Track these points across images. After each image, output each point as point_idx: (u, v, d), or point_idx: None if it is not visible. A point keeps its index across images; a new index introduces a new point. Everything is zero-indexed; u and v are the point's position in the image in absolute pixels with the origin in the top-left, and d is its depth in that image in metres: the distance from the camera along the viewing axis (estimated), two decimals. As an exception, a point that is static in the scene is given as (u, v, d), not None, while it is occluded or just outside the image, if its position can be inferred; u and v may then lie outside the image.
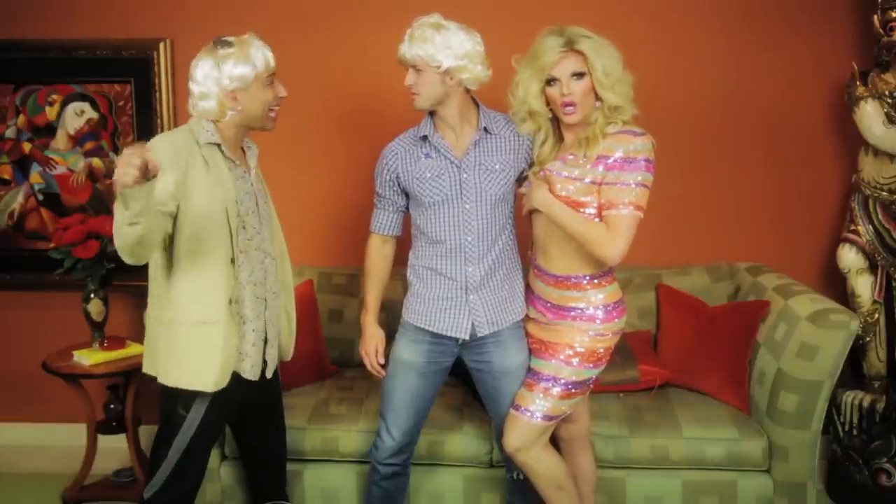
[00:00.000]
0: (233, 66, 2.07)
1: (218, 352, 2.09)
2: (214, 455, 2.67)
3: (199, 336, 2.09)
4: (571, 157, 2.14)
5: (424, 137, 2.25)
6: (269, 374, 2.28)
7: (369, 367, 2.38)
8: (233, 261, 2.11)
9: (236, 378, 2.16)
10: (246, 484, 2.65)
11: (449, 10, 2.23)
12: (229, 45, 2.09)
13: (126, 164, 1.73)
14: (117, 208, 1.86)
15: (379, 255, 2.41)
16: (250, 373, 2.20)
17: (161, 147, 2.03)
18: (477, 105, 2.28)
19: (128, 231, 1.87)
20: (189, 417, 2.15)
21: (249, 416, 2.37)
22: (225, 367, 2.10)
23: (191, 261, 2.09)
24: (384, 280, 2.43)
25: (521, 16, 3.05)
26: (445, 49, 2.12)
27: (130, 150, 1.75)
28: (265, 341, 2.24)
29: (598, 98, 2.11)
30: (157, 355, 2.18)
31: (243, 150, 2.25)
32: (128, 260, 1.98)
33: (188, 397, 2.13)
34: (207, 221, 2.07)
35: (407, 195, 2.33)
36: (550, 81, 2.11)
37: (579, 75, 2.08)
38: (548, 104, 2.15)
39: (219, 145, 2.13)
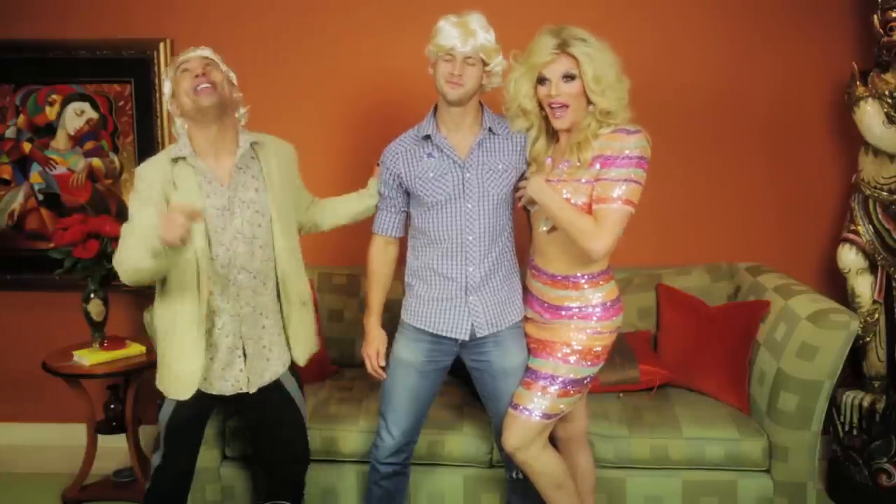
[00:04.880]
0: (165, 87, 2.23)
1: (173, 364, 2.21)
2: (215, 455, 2.68)
3: (164, 345, 2.25)
4: (567, 163, 2.14)
5: (427, 137, 2.25)
6: (250, 389, 2.27)
7: (370, 370, 2.39)
8: (198, 285, 2.15)
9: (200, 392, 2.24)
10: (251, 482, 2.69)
11: (448, 6, 2.23)
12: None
13: (171, 222, 1.93)
14: (143, 256, 2.03)
15: (382, 257, 2.40)
16: (218, 389, 2.25)
17: (140, 179, 2.18)
18: (480, 105, 2.28)
19: (140, 275, 2.07)
20: (162, 411, 2.29)
21: (254, 419, 2.42)
22: (181, 380, 2.20)
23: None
24: (387, 282, 2.42)
25: (521, 13, 3.05)
26: (498, 49, 2.18)
27: (179, 208, 1.97)
28: (244, 357, 2.25)
29: (589, 102, 2.11)
30: None
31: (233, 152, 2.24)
32: (126, 282, 2.17)
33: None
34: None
35: (408, 195, 2.33)
36: (542, 81, 2.11)
37: (570, 77, 2.08)
38: (540, 104, 2.16)
39: (185, 158, 2.17)
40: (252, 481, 2.70)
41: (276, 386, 2.33)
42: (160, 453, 2.30)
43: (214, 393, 2.25)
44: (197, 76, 2.14)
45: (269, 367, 2.30)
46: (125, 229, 2.16)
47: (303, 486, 2.52)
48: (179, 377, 2.20)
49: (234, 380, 2.25)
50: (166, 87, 2.22)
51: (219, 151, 2.21)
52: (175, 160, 2.17)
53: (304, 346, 2.37)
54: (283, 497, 2.50)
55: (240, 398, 2.28)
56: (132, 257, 2.07)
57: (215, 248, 2.17)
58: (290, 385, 2.38)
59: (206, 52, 2.22)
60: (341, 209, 2.49)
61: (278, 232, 2.26)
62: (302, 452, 2.47)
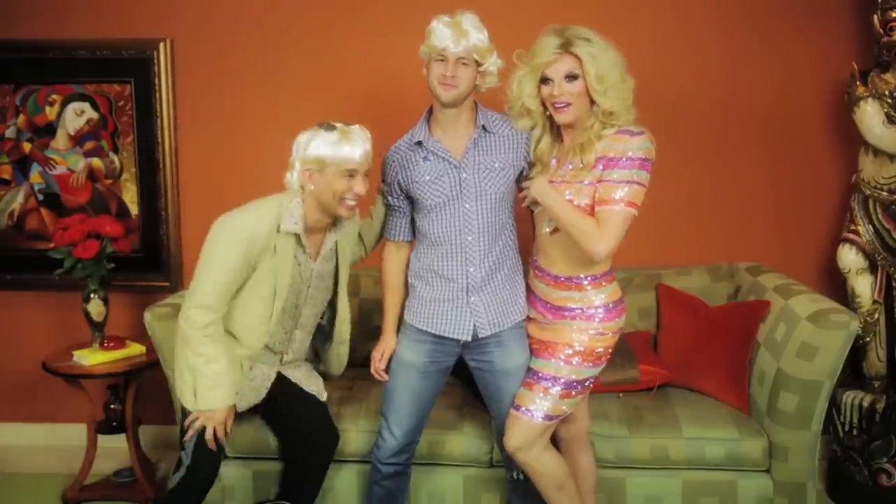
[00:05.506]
0: (316, 146, 2.15)
1: (206, 390, 2.24)
2: (214, 455, 2.68)
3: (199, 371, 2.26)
4: (571, 165, 2.14)
5: (419, 143, 2.25)
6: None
7: (372, 370, 2.40)
8: (269, 325, 2.28)
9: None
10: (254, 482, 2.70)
11: (449, 5, 2.23)
12: (331, 128, 2.17)
13: (214, 423, 2.22)
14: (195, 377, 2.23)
15: (395, 262, 2.42)
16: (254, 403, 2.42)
17: (245, 242, 2.15)
18: (475, 104, 2.28)
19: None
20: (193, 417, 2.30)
21: (282, 410, 2.50)
22: (205, 399, 2.24)
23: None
24: (400, 283, 2.43)
25: (522, 12, 3.05)
26: (492, 49, 2.17)
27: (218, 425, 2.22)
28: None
29: (593, 101, 2.10)
30: None
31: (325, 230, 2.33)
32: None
33: None
34: (252, 296, 2.23)
35: (411, 199, 2.33)
36: (545, 81, 2.11)
37: (572, 77, 2.08)
38: (543, 103, 2.16)
39: (297, 235, 2.22)
40: (253, 481, 2.69)
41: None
42: (189, 456, 2.26)
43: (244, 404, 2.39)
44: (356, 195, 2.19)
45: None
46: (204, 271, 2.18)
47: (323, 478, 2.59)
48: (213, 403, 2.25)
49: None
50: (310, 152, 2.16)
51: (321, 226, 2.30)
52: (286, 234, 2.21)
53: (340, 367, 2.61)
54: (307, 491, 2.53)
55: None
56: (202, 353, 2.19)
57: (289, 309, 2.30)
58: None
59: (370, 148, 2.21)
60: (369, 235, 2.55)
61: (342, 294, 2.46)
62: (332, 435, 2.57)
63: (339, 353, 2.57)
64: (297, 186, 2.21)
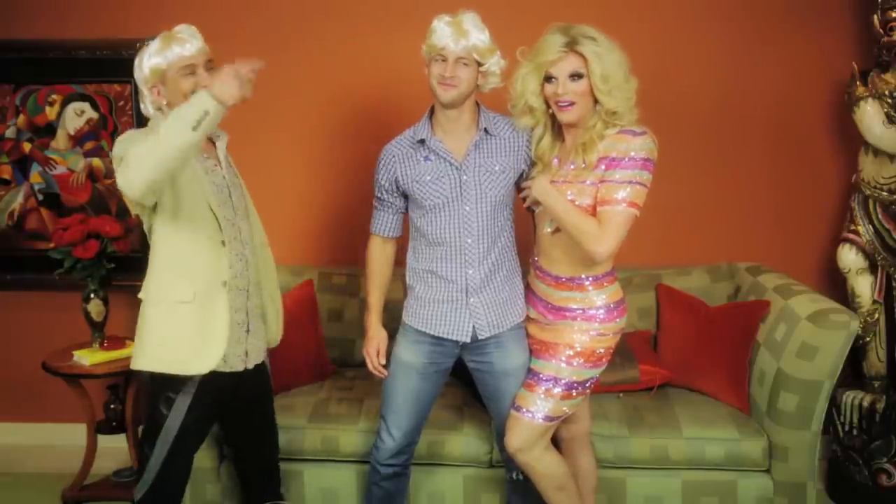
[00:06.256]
0: (147, 61, 2.08)
1: (194, 333, 2.06)
2: (214, 455, 2.67)
3: (174, 316, 2.07)
4: (572, 165, 2.14)
5: (422, 141, 2.25)
6: (249, 365, 2.21)
7: (371, 368, 2.39)
8: (223, 243, 2.09)
9: (216, 374, 2.10)
10: (239, 486, 2.62)
11: (450, 5, 2.22)
12: (151, 39, 2.10)
13: (236, 77, 1.82)
14: (178, 128, 1.82)
15: (380, 256, 2.41)
16: (231, 366, 2.14)
17: (135, 141, 1.99)
18: (477, 105, 2.27)
19: (167, 165, 1.83)
20: (171, 416, 2.11)
21: (238, 414, 2.33)
22: (200, 350, 2.06)
23: (174, 241, 2.09)
24: (386, 281, 2.42)
25: (524, 12, 3.05)
26: (494, 49, 2.16)
27: (244, 66, 1.84)
28: (248, 332, 2.20)
29: (596, 101, 2.10)
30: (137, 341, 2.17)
31: (213, 143, 2.20)
32: (143, 189, 1.89)
33: (171, 395, 2.10)
34: (187, 215, 2.06)
35: (406, 197, 2.32)
36: (549, 79, 2.11)
37: (577, 76, 2.07)
38: (546, 101, 2.15)
39: None
40: (244, 483, 2.65)
41: (262, 364, 2.31)
42: (160, 461, 2.12)
43: (227, 371, 2.14)
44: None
45: (262, 345, 2.28)
46: (125, 160, 1.94)
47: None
48: (200, 352, 2.06)
49: (237, 356, 2.17)
50: (145, 69, 2.06)
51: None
52: None
53: (279, 324, 2.35)
54: (273, 484, 2.46)
55: (242, 379, 2.20)
56: (164, 141, 1.82)
57: (223, 224, 2.11)
58: (266, 361, 2.35)
59: (202, 42, 2.12)
60: None
61: (253, 208, 2.28)
62: (276, 432, 2.47)
63: (273, 295, 2.31)
64: (154, 109, 2.12)
